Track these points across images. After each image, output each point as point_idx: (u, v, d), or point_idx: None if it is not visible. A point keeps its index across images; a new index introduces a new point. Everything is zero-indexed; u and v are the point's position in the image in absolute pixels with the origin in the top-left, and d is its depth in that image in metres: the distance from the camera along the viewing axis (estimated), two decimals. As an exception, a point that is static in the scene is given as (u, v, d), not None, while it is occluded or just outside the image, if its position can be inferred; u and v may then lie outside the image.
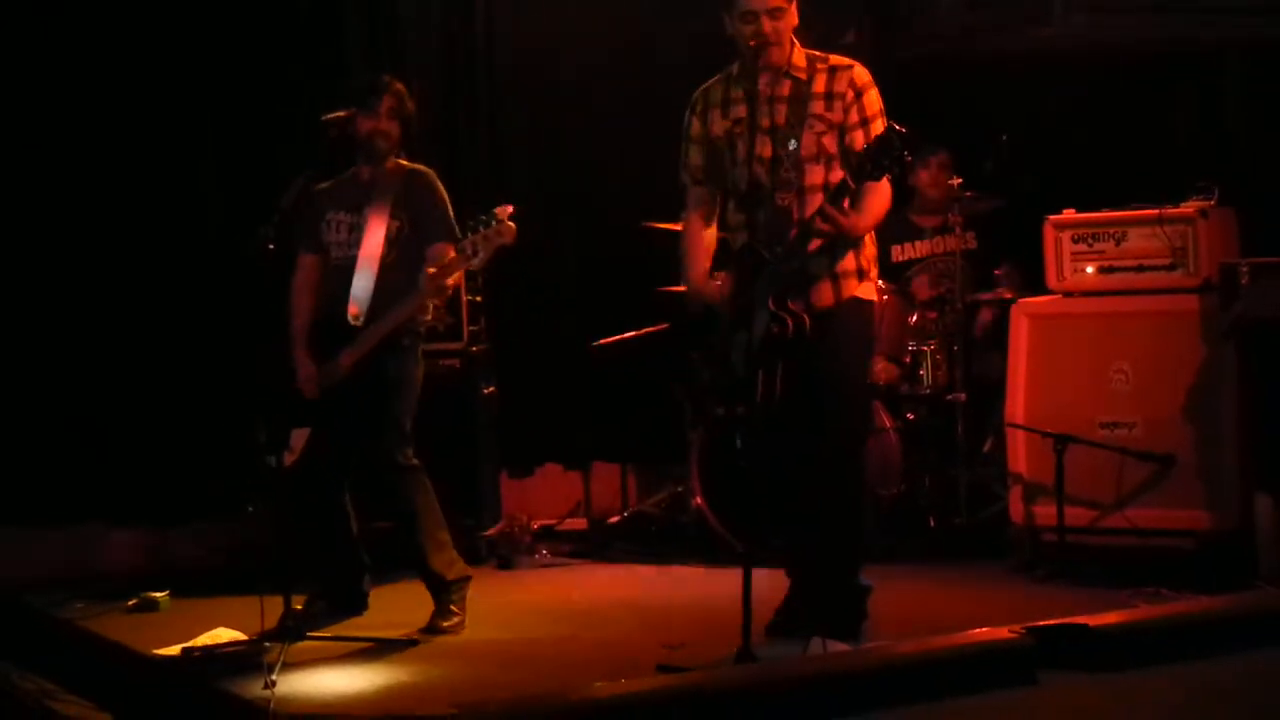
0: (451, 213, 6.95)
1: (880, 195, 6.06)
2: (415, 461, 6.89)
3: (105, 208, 8.49)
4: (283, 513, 6.74)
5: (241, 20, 8.74)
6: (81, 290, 8.43)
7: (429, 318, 7.06)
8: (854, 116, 6.06)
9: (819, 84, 6.08)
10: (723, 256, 6.46)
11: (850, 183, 5.78)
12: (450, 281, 6.73)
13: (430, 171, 7.04)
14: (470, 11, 9.33)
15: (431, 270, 6.64)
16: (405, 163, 7.01)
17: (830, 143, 6.07)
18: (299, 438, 6.70)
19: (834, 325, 6.09)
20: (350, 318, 6.72)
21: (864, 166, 5.72)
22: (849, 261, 6.12)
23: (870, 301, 6.26)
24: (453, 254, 6.61)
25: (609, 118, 9.37)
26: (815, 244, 5.98)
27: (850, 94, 6.07)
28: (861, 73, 6.12)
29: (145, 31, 8.56)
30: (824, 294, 6.09)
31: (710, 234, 6.39)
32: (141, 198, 8.54)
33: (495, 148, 9.44)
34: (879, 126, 5.99)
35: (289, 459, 6.69)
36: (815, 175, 6.06)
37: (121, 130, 8.51)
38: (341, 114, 6.77)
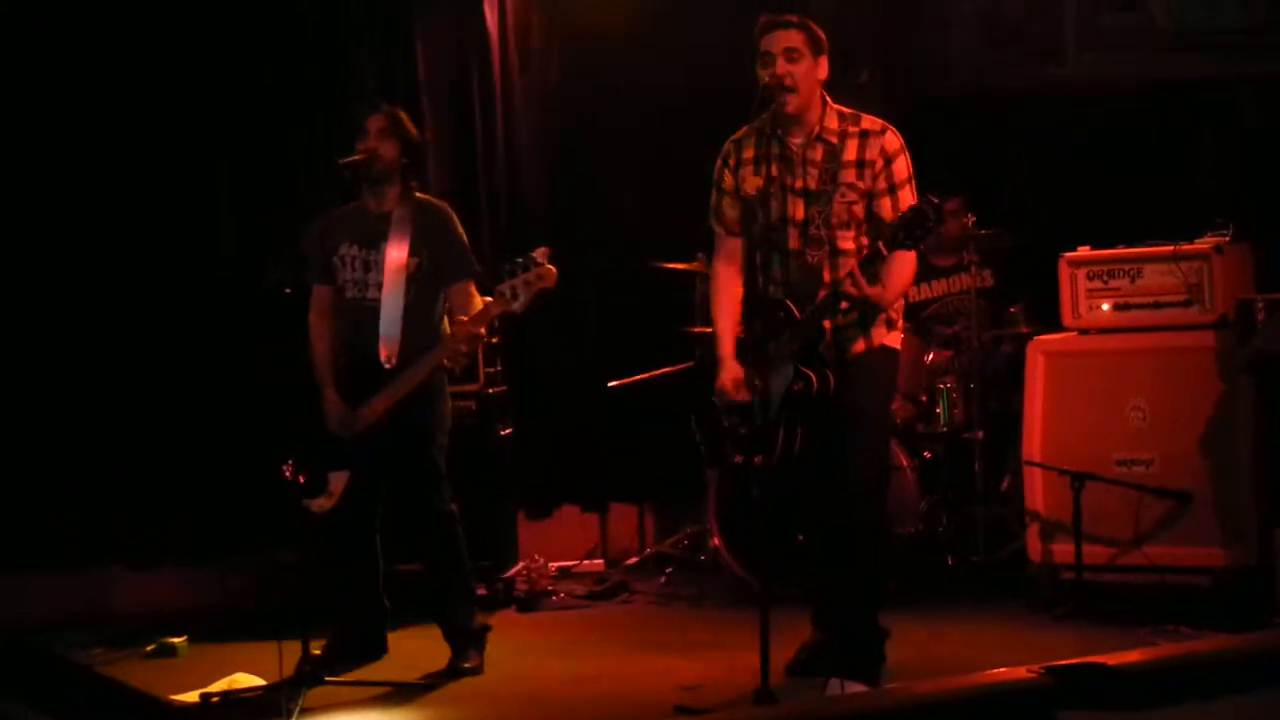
0: (468, 247, 6.96)
1: (905, 266, 6.09)
2: (453, 507, 6.90)
3: (121, 245, 8.51)
4: (312, 557, 6.74)
5: (258, 58, 8.79)
6: (100, 334, 8.45)
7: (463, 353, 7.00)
8: (882, 184, 6.08)
9: (851, 150, 6.09)
10: (749, 306, 6.46)
11: (883, 250, 5.81)
12: (483, 329, 6.70)
13: (445, 205, 7.02)
14: (485, 50, 9.36)
15: (464, 317, 6.64)
16: (419, 195, 7.00)
17: (860, 210, 6.11)
18: (337, 481, 6.68)
19: (861, 371, 6.13)
20: (383, 361, 6.72)
21: (897, 236, 5.76)
22: (877, 311, 6.15)
23: (896, 350, 6.31)
24: (480, 299, 6.63)
25: (626, 158, 9.40)
26: (844, 306, 6.00)
27: (880, 162, 6.08)
28: (892, 139, 6.12)
29: (163, 68, 8.60)
30: (856, 343, 6.15)
31: (739, 290, 6.34)
32: (157, 234, 8.56)
33: (511, 188, 9.45)
34: (907, 194, 6.04)
35: (328, 504, 6.66)
36: (846, 240, 6.10)
37: (139, 169, 8.55)
38: (357, 158, 6.79)
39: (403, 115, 6.98)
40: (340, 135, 7.02)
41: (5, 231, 8.36)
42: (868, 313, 6.08)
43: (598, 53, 9.40)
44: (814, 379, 5.99)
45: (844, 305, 6.00)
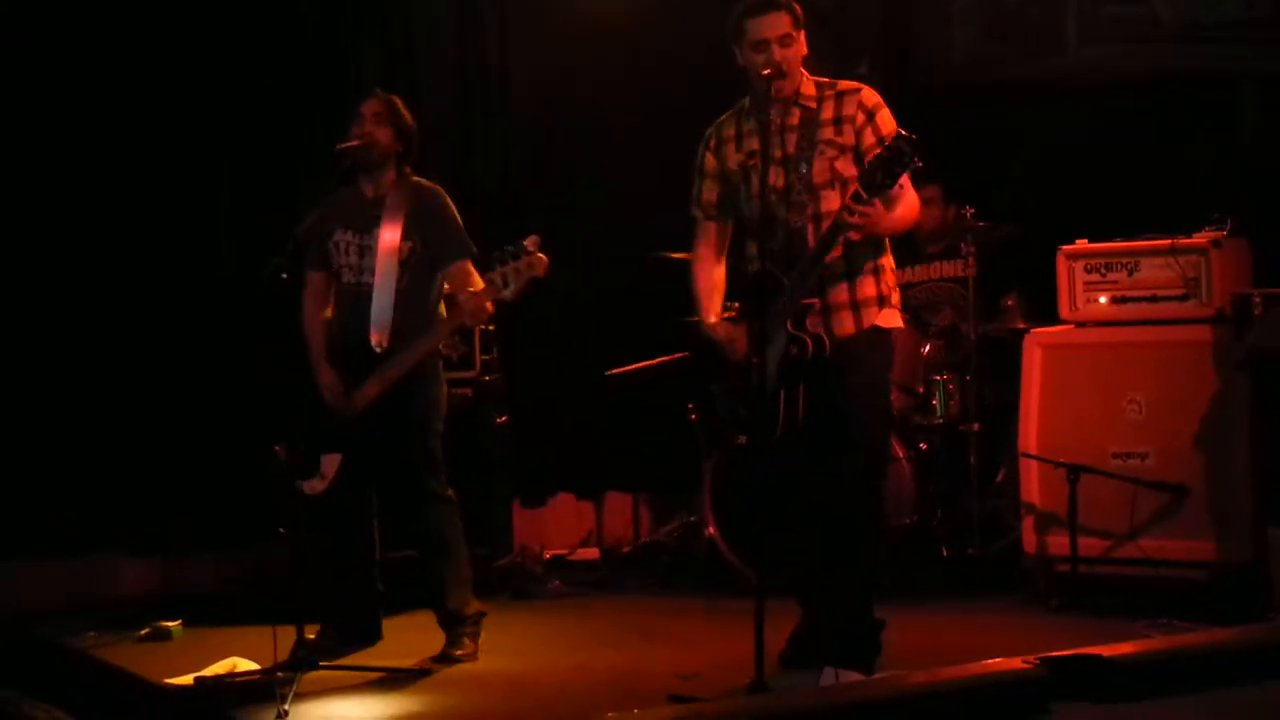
0: (463, 228, 6.95)
1: (908, 199, 6.06)
2: (450, 492, 6.90)
3: (121, 241, 8.51)
4: (305, 540, 6.75)
5: (257, 53, 8.79)
6: (94, 320, 8.45)
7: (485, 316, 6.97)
8: (870, 137, 6.03)
9: (828, 110, 6.07)
10: (738, 286, 6.47)
11: (863, 193, 5.74)
12: (489, 304, 6.64)
13: (439, 188, 7.00)
14: (483, 45, 9.37)
15: (460, 298, 6.63)
16: (413, 179, 6.99)
17: (843, 167, 6.05)
18: (329, 464, 6.70)
19: (854, 354, 6.07)
20: (374, 345, 6.72)
21: (875, 175, 5.70)
22: (869, 289, 6.11)
23: (891, 330, 6.22)
24: (479, 278, 6.62)
25: (623, 147, 9.40)
26: (837, 251, 5.96)
27: (861, 116, 6.05)
28: (870, 94, 6.10)
29: (163, 68, 8.59)
30: (845, 323, 6.09)
31: (720, 271, 6.40)
32: (157, 231, 8.56)
33: (509, 178, 9.47)
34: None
35: (320, 486, 6.69)
36: (831, 201, 6.03)
37: (139, 168, 8.54)
38: (355, 143, 6.78)
39: (397, 101, 6.98)
40: (340, 134, 7.01)
41: (6, 231, 8.36)
42: (855, 283, 6.06)
43: (596, 43, 9.39)
44: (808, 342, 5.95)
45: (836, 251, 5.96)
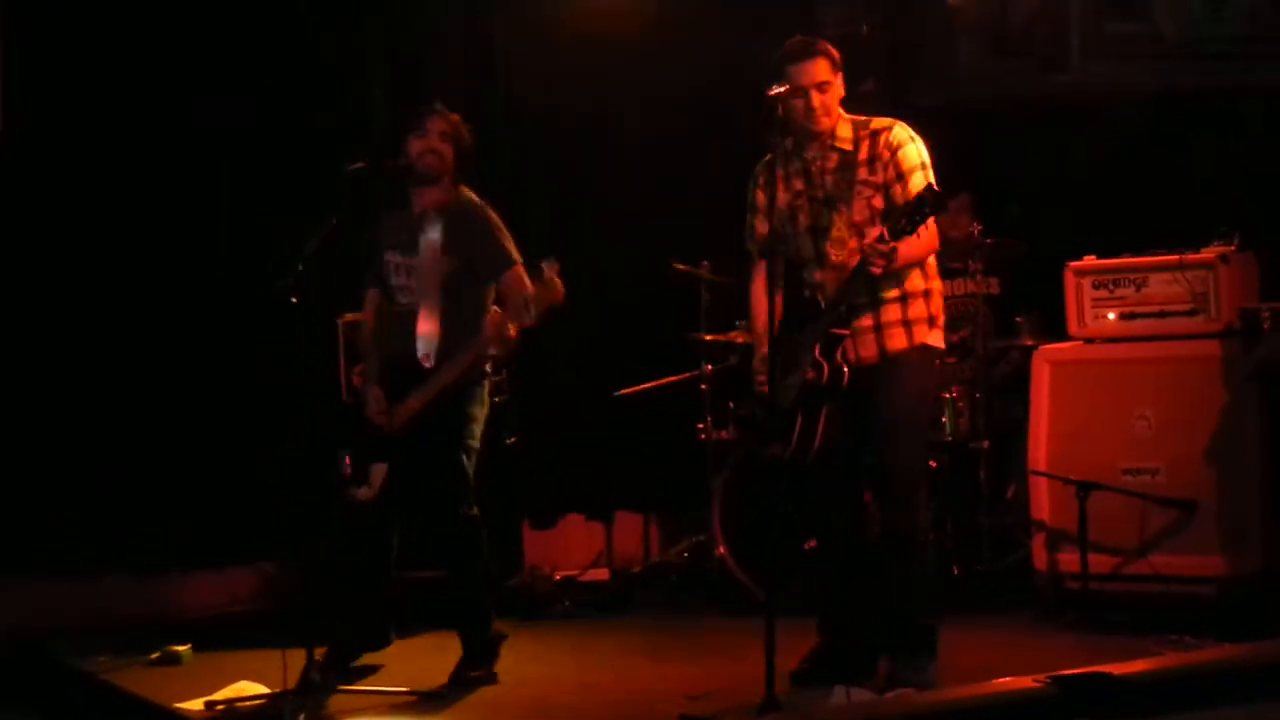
0: (506, 239, 6.95)
1: (928, 231, 6.15)
2: (475, 513, 6.89)
3: (123, 252, 8.51)
4: (322, 548, 6.76)
5: (258, 53, 8.79)
6: (102, 339, 8.45)
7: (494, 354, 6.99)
8: (890, 173, 6.19)
9: (863, 151, 6.23)
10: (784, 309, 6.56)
11: (887, 235, 5.87)
12: (513, 331, 6.66)
13: (479, 203, 7.02)
14: (493, 57, 9.38)
15: (499, 316, 6.63)
16: (461, 195, 7.00)
17: (880, 203, 6.21)
18: (378, 473, 6.73)
19: (903, 370, 6.24)
20: (420, 359, 6.76)
21: (899, 223, 5.85)
22: (920, 309, 6.29)
23: (938, 349, 6.41)
24: (530, 284, 6.64)
25: (633, 163, 9.40)
26: (893, 275, 6.13)
27: (886, 154, 6.20)
28: (899, 132, 6.24)
29: (163, 67, 8.60)
30: (897, 338, 6.25)
31: (775, 303, 6.46)
32: (159, 241, 8.57)
33: (518, 194, 9.43)
34: (919, 180, 6.12)
35: (369, 494, 6.72)
36: (873, 235, 6.12)
37: (138, 169, 8.55)
38: (362, 164, 6.79)
39: (458, 119, 7.04)
40: (341, 135, 7.02)
41: (5, 233, 8.36)
42: (907, 303, 6.23)
43: (605, 59, 9.39)
44: (826, 368, 6.04)
45: (890, 277, 6.12)
